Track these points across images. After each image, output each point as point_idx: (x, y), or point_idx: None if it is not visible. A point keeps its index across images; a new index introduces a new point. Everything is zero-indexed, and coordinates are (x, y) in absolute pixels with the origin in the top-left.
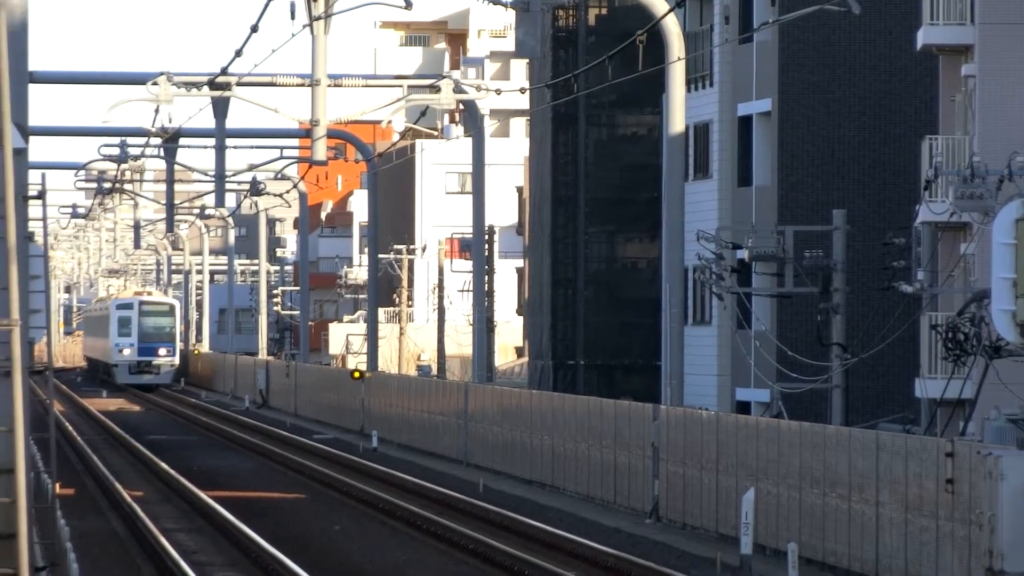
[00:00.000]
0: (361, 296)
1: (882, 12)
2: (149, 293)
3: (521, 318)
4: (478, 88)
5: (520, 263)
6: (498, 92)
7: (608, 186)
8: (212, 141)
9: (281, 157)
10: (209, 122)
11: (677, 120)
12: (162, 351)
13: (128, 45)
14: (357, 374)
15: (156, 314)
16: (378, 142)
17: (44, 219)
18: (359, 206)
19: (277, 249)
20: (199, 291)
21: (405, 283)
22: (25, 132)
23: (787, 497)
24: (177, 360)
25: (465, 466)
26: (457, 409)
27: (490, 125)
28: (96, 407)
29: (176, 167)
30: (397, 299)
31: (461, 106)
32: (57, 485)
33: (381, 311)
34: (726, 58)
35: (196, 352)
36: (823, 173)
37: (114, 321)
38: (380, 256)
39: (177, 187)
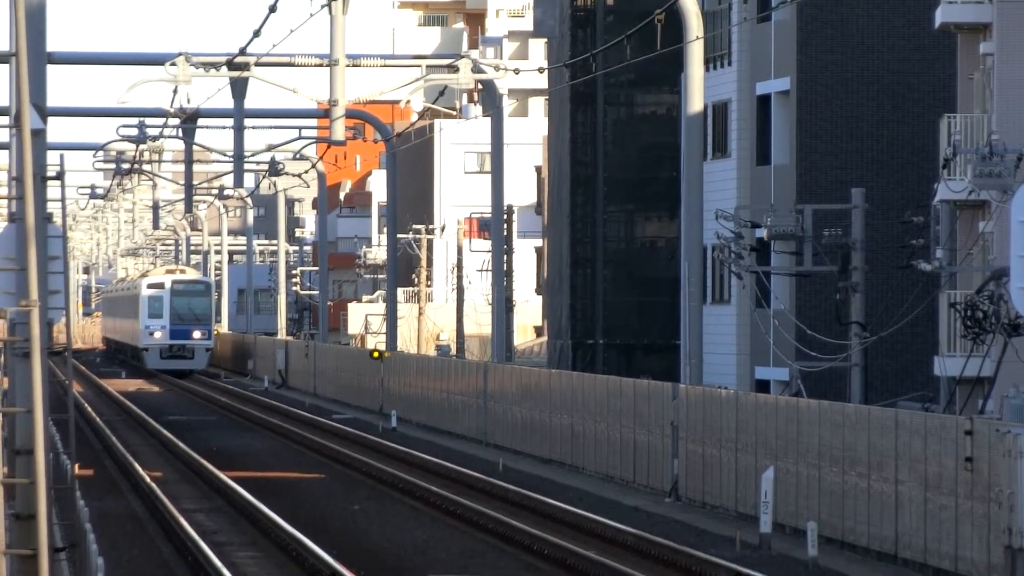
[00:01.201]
0: (380, 276)
1: None
2: (182, 271)
3: (540, 297)
4: (496, 68)
5: (539, 242)
6: (516, 72)
7: (627, 165)
8: (230, 121)
9: (300, 137)
10: (227, 102)
11: (695, 99)
12: (196, 334)
13: (146, 25)
14: (376, 354)
15: (190, 293)
16: (396, 122)
17: (63, 200)
18: (378, 186)
19: (296, 229)
20: (218, 272)
21: (424, 263)
22: (43, 113)
23: (806, 476)
24: (213, 343)
25: (484, 446)
26: (476, 389)
27: (508, 105)
28: (115, 388)
29: (195, 147)
30: (416, 279)
31: (479, 86)
32: (76, 466)
33: (400, 291)
34: (744, 37)
35: (216, 333)
36: (841, 152)
37: (144, 301)
38: (399, 236)
39: (196, 167)
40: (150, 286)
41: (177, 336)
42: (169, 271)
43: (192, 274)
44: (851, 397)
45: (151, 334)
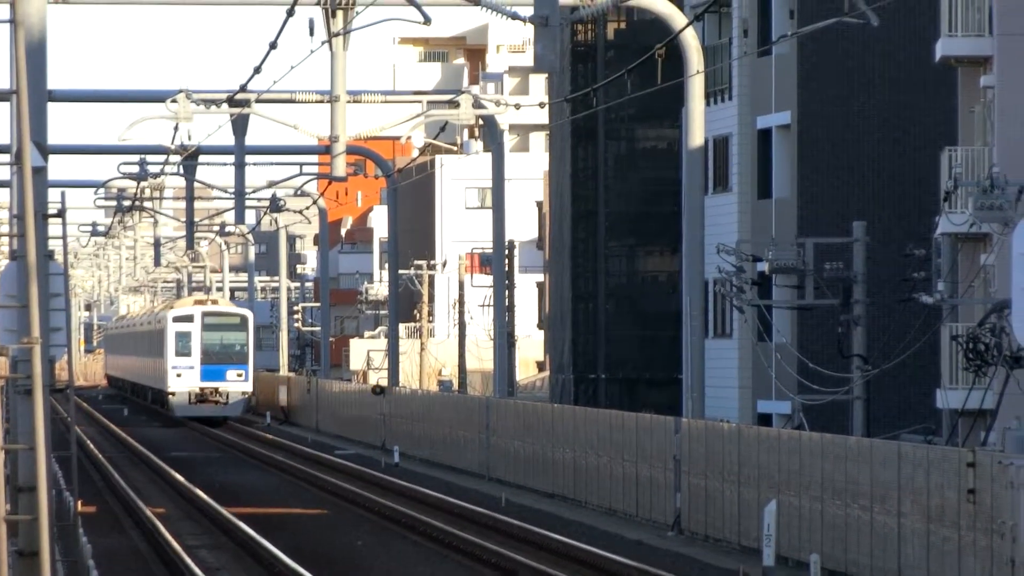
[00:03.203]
0: (382, 312)
1: (900, 24)
2: (214, 301)
3: (542, 332)
4: (497, 103)
5: (540, 277)
6: (517, 107)
7: (628, 200)
8: (231, 158)
9: (301, 173)
10: (228, 139)
11: (696, 134)
12: (231, 375)
13: (147, 63)
14: (378, 390)
15: (223, 328)
16: (398, 158)
17: (64, 237)
18: (379, 222)
19: (297, 265)
20: None
21: (426, 298)
22: (44, 151)
23: (809, 508)
24: (250, 386)
25: (487, 480)
26: (479, 423)
27: (509, 140)
28: (117, 425)
29: (196, 184)
30: (418, 314)
31: (480, 121)
32: (79, 503)
33: (402, 326)
34: (745, 71)
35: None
36: (843, 185)
37: (170, 337)
38: (400, 272)
39: (197, 204)
40: (177, 319)
41: (209, 378)
42: (199, 301)
43: (226, 305)
44: (853, 430)
45: (178, 375)
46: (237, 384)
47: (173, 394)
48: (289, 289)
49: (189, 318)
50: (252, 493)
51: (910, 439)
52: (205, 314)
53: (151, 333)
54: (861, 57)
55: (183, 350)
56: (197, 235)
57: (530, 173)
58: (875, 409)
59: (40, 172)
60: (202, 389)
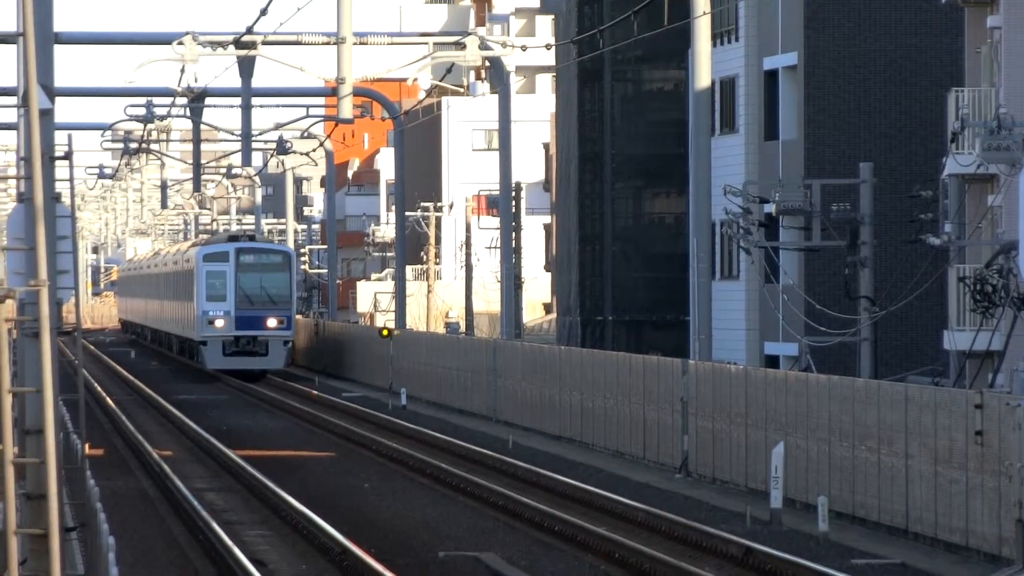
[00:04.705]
0: (389, 254)
1: None
2: (250, 237)
3: (549, 274)
4: (504, 45)
5: (547, 219)
6: (524, 49)
7: (635, 142)
8: (238, 100)
9: (307, 116)
10: (235, 81)
11: (703, 75)
12: (272, 322)
13: (153, 5)
14: (385, 332)
15: (262, 267)
16: (404, 100)
17: (71, 180)
18: (386, 164)
19: (304, 208)
20: None
21: (432, 240)
22: (51, 93)
23: (816, 451)
24: (292, 334)
25: (494, 423)
26: (486, 366)
27: (516, 82)
28: (125, 368)
29: (202, 127)
30: (425, 256)
31: (487, 63)
32: (86, 445)
33: (409, 269)
34: (752, 12)
35: None
36: (849, 126)
37: (201, 278)
38: (407, 214)
39: (203, 147)
40: (208, 257)
41: (245, 325)
42: (233, 237)
43: (264, 241)
44: (861, 372)
45: (211, 322)
46: (278, 332)
47: (205, 343)
48: (296, 231)
49: (223, 256)
50: (260, 436)
51: (917, 381)
52: (241, 251)
53: (177, 273)
54: None
55: (216, 293)
56: (204, 177)
57: (537, 115)
58: (882, 351)
59: (47, 114)
60: (237, 338)
